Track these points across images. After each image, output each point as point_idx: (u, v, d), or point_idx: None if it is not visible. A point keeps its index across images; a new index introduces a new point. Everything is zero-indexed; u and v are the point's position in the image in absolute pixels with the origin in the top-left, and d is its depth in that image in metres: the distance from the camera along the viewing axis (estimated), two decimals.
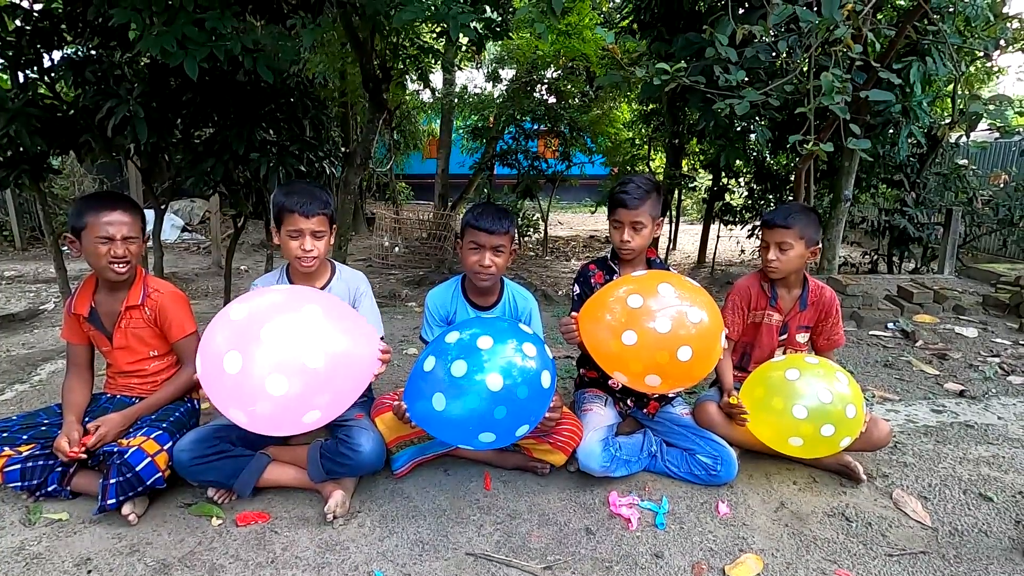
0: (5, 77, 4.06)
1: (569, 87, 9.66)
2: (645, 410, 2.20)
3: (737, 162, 6.77)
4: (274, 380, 1.51)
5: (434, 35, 5.77)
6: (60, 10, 3.40)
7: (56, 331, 4.08)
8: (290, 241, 1.91)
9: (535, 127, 9.85)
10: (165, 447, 1.77)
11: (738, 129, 5.08)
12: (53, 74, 3.47)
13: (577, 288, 2.23)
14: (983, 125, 3.77)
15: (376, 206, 12.17)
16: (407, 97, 10.48)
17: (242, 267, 8.11)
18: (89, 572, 1.58)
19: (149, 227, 2.27)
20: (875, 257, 7.08)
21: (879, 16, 4.20)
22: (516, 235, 2.64)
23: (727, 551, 1.70)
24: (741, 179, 8.12)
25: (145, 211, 2.04)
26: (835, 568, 1.63)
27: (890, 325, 3.90)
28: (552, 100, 9.82)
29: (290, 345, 1.54)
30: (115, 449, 1.75)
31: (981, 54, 4.17)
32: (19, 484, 1.80)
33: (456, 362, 1.59)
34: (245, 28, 3.33)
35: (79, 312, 1.95)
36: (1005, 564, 1.66)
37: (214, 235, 8.51)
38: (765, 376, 2.04)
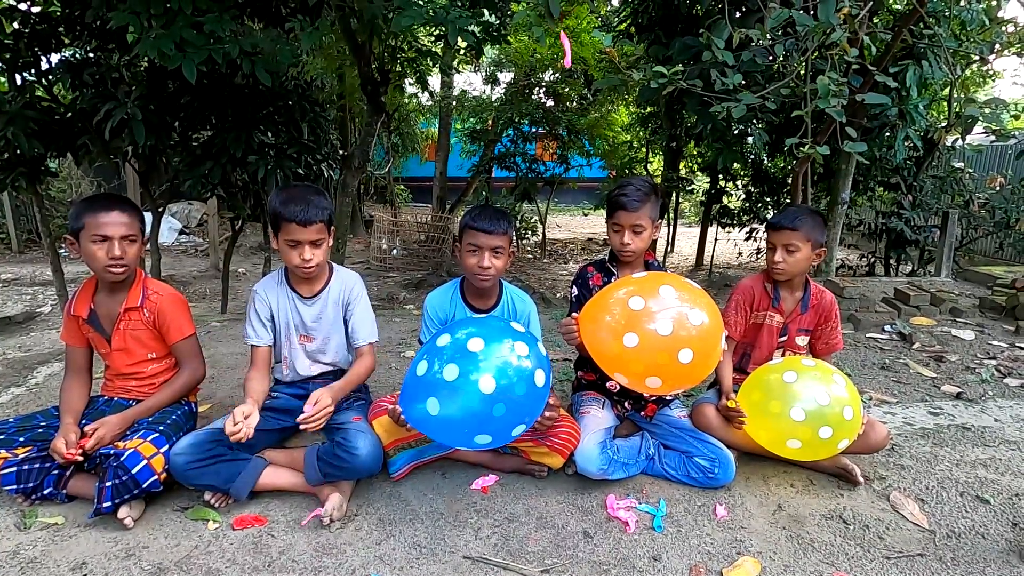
0: (3, 80, 4.05)
1: (567, 90, 9.69)
2: (643, 413, 2.20)
3: (735, 165, 6.79)
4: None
5: (432, 38, 5.78)
6: (58, 13, 3.40)
7: (52, 334, 4.07)
8: (289, 250, 1.90)
9: (533, 130, 9.88)
10: (161, 450, 1.76)
11: (735, 132, 5.10)
12: (51, 76, 3.47)
13: (575, 290, 2.23)
14: (979, 128, 3.79)
15: (374, 209, 12.17)
16: (405, 100, 10.52)
17: (240, 270, 8.09)
18: None
19: (148, 229, 2.27)
20: (872, 260, 7.11)
21: (875, 20, 4.22)
22: (514, 237, 2.64)
23: (725, 554, 1.70)
24: (739, 182, 8.15)
25: (144, 213, 2.04)
26: (833, 570, 1.63)
27: (887, 328, 3.91)
28: (550, 103, 9.85)
29: None
30: (111, 451, 1.74)
31: (977, 58, 4.19)
32: (15, 487, 1.79)
33: (448, 365, 1.59)
34: (243, 31, 3.33)
35: (78, 314, 1.95)
36: (1002, 566, 1.66)
37: (212, 238, 8.49)
38: (762, 379, 2.04)
